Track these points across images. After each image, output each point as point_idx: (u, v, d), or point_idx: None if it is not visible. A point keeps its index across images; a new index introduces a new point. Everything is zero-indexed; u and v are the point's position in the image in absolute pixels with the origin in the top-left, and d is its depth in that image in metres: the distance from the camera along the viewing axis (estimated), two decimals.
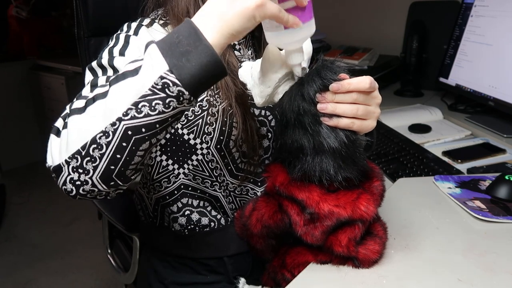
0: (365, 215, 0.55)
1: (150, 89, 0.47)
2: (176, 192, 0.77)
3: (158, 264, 0.84)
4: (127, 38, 0.70)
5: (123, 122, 0.49)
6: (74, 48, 0.95)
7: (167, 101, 0.48)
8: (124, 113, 0.48)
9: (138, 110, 0.48)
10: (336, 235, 0.57)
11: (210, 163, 0.74)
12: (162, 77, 0.47)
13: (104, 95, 0.51)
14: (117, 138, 0.49)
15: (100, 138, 0.50)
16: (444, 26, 1.53)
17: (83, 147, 0.50)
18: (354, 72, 0.56)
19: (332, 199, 0.55)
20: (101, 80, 0.63)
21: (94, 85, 0.62)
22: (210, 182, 0.76)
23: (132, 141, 0.50)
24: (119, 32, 0.73)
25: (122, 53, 0.67)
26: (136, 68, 0.49)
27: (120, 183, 0.53)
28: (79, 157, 0.51)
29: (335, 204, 0.55)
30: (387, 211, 0.73)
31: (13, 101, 2.93)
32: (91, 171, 0.51)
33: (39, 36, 3.06)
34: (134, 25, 0.73)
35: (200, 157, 0.73)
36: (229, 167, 0.75)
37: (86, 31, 0.92)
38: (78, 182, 0.52)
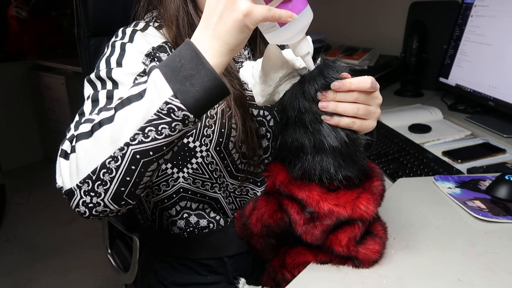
0: (365, 215, 0.55)
1: (155, 114, 0.48)
2: (174, 195, 0.76)
3: (158, 264, 0.84)
4: (123, 46, 0.70)
5: (131, 147, 0.50)
6: (74, 48, 0.95)
7: (173, 125, 0.49)
8: (132, 138, 0.50)
9: (145, 135, 0.49)
10: (336, 235, 0.57)
11: (210, 165, 0.74)
12: (167, 103, 0.47)
13: (110, 119, 0.52)
14: (126, 162, 0.51)
15: (109, 163, 0.51)
16: (444, 26, 1.53)
17: (94, 172, 0.52)
18: (355, 72, 0.55)
19: (332, 198, 0.55)
20: (101, 94, 0.64)
21: (95, 100, 0.63)
22: (210, 185, 0.76)
23: (140, 164, 0.51)
24: (114, 39, 0.72)
25: (119, 62, 0.68)
26: (140, 92, 0.50)
27: (131, 201, 0.55)
28: (90, 182, 0.52)
29: (335, 203, 0.55)
30: (387, 211, 0.73)
31: (13, 101, 2.93)
32: (103, 194, 0.53)
33: (39, 36, 3.05)
34: (128, 31, 0.72)
35: (199, 160, 0.73)
36: (229, 168, 0.75)
37: (86, 31, 0.92)
38: (90, 205, 0.54)
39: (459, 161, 0.99)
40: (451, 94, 1.51)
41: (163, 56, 0.71)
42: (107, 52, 0.70)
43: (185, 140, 0.71)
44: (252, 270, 0.82)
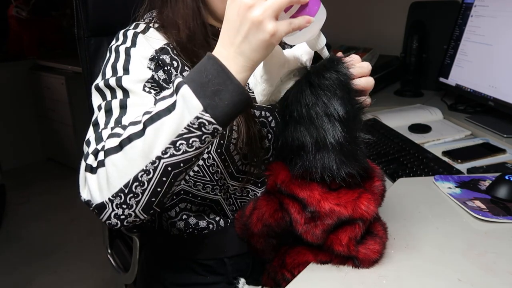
0: (366, 214, 0.55)
1: (186, 128, 0.50)
2: (174, 197, 0.76)
3: (158, 264, 0.84)
4: (127, 51, 0.70)
5: (162, 160, 0.52)
6: (74, 48, 0.95)
7: (203, 137, 0.51)
8: (163, 152, 0.51)
9: (177, 148, 0.51)
10: (336, 234, 0.57)
11: (211, 168, 0.74)
12: (198, 117, 0.49)
13: (139, 135, 0.53)
14: (158, 174, 0.53)
15: (141, 176, 0.53)
16: (444, 26, 1.53)
17: (126, 186, 0.53)
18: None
19: (333, 197, 0.55)
20: (114, 104, 0.64)
21: (108, 110, 0.64)
22: (211, 187, 0.76)
23: (171, 175, 0.53)
24: (116, 43, 0.72)
25: (126, 69, 0.68)
26: (168, 107, 0.51)
27: (158, 210, 0.57)
28: (122, 195, 0.54)
29: (336, 203, 0.55)
30: (387, 211, 0.73)
31: (13, 101, 2.93)
32: (134, 205, 0.54)
33: (39, 36, 3.06)
34: (130, 34, 0.72)
35: (201, 162, 0.73)
36: (230, 170, 0.75)
37: (86, 31, 0.92)
38: (122, 216, 0.55)
39: (459, 161, 0.99)
40: (451, 94, 1.51)
41: (166, 58, 0.71)
42: (112, 57, 0.70)
43: None
44: (252, 270, 0.82)
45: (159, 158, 0.51)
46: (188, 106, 0.49)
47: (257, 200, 0.63)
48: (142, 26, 0.74)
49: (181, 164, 0.52)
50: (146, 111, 0.55)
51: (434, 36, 1.63)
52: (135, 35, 0.72)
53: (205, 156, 0.72)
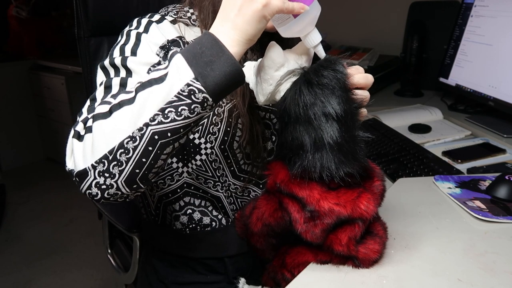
0: (365, 214, 0.55)
1: (176, 96, 0.50)
2: (179, 190, 0.77)
3: (159, 263, 0.85)
4: (138, 36, 0.70)
5: (150, 127, 0.51)
6: (74, 48, 0.95)
7: (192, 106, 0.51)
8: (151, 119, 0.51)
9: (165, 116, 0.51)
10: (336, 234, 0.57)
11: (213, 163, 0.74)
12: (188, 84, 0.50)
13: (130, 101, 0.53)
14: (144, 142, 0.52)
15: (127, 143, 0.52)
16: (444, 26, 1.53)
17: (110, 152, 0.52)
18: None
19: (333, 197, 0.55)
20: (115, 81, 0.64)
21: (107, 87, 0.64)
22: (212, 183, 0.76)
23: (158, 145, 0.52)
24: (129, 28, 0.73)
25: (134, 51, 0.68)
26: (161, 76, 0.52)
27: (142, 185, 0.55)
28: (106, 162, 0.52)
29: (336, 202, 0.55)
30: (387, 211, 0.73)
31: (13, 101, 2.93)
32: (117, 175, 0.53)
33: (39, 36, 3.05)
34: (144, 21, 0.73)
35: (204, 157, 0.73)
36: (232, 168, 0.76)
37: (86, 31, 0.92)
38: (103, 186, 0.53)
39: (459, 161, 0.99)
40: (451, 94, 1.51)
41: (176, 50, 0.71)
42: (122, 40, 0.71)
43: (191, 136, 0.72)
44: (252, 270, 0.82)
45: (146, 125, 0.51)
46: (180, 73, 0.50)
47: (257, 200, 0.63)
48: (157, 16, 0.74)
49: (169, 134, 0.52)
50: (139, 81, 0.55)
51: (434, 36, 1.63)
52: (149, 23, 0.72)
53: (208, 151, 0.73)
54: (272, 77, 0.57)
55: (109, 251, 1.17)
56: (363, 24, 1.96)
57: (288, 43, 0.63)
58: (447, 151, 1.05)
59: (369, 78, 0.60)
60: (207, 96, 0.50)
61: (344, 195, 0.56)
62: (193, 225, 0.79)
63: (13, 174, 2.90)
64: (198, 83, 0.50)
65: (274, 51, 0.56)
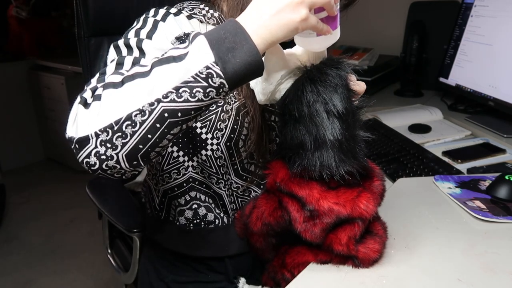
0: (365, 213, 0.55)
1: (193, 77, 0.49)
2: (185, 184, 0.77)
3: (159, 262, 0.85)
4: (155, 23, 0.70)
5: (161, 104, 0.49)
6: (74, 48, 0.95)
7: (207, 90, 0.50)
8: (164, 95, 0.49)
9: (179, 95, 0.49)
10: (335, 233, 0.57)
11: (218, 160, 0.74)
12: (207, 67, 0.49)
13: (144, 74, 0.51)
14: (153, 118, 0.50)
15: (135, 115, 0.50)
16: (444, 26, 1.53)
17: (117, 122, 0.50)
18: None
19: (332, 196, 0.55)
20: (128, 60, 0.63)
21: (119, 63, 0.62)
22: (215, 179, 0.77)
23: (166, 123, 0.51)
24: (145, 15, 0.72)
25: (149, 36, 0.67)
26: (181, 55, 0.51)
27: (142, 163, 0.53)
28: (110, 131, 0.50)
29: (335, 202, 0.55)
30: (387, 211, 0.72)
31: (13, 101, 2.93)
32: (119, 147, 0.51)
33: (39, 36, 3.06)
34: (162, 11, 0.72)
35: (209, 152, 0.73)
36: (235, 166, 0.76)
37: (86, 31, 0.92)
38: (103, 156, 0.51)
39: (459, 161, 0.99)
40: (451, 94, 1.51)
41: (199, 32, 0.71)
42: (138, 25, 0.70)
43: (198, 131, 0.72)
44: (252, 270, 0.82)
45: (158, 100, 0.49)
46: (201, 55, 0.49)
47: (257, 199, 0.63)
48: (174, 9, 0.74)
49: (179, 114, 0.50)
50: (156, 56, 0.53)
51: (434, 36, 1.63)
52: (167, 14, 0.72)
53: (214, 147, 0.73)
54: (273, 77, 0.57)
55: (109, 251, 1.17)
56: (363, 24, 1.95)
57: (288, 43, 0.63)
58: (447, 151, 1.05)
59: (361, 85, 0.60)
60: (224, 82, 0.49)
61: (343, 194, 0.56)
62: (197, 221, 0.79)
63: (13, 174, 2.90)
64: (217, 67, 0.49)
65: (275, 50, 0.56)
